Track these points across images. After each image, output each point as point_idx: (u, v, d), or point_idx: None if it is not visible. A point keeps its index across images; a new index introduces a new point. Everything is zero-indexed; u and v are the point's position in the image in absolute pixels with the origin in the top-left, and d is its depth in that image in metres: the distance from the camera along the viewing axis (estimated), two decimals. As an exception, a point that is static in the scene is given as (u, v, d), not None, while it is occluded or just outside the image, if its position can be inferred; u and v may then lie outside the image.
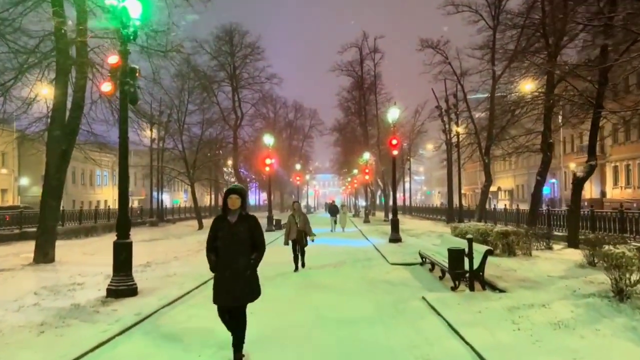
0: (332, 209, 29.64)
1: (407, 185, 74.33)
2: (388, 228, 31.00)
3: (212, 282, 5.62)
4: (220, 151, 46.98)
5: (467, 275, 9.93)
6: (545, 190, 42.17)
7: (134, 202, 67.08)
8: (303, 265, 13.27)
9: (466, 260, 9.97)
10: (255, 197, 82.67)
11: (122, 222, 9.27)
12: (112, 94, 10.50)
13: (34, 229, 25.07)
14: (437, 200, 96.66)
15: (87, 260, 15.31)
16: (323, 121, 74.41)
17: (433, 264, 12.89)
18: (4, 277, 12.06)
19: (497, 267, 12.23)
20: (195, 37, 39.09)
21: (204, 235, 22.38)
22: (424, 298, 9.22)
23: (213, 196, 63.79)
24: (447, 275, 11.28)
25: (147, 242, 22.18)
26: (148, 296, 9.01)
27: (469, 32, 27.56)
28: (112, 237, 25.25)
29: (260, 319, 7.39)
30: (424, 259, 14.16)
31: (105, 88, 9.31)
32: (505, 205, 37.73)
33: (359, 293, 9.98)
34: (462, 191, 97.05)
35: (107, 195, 66.03)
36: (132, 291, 9.03)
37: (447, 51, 32.51)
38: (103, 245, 20.46)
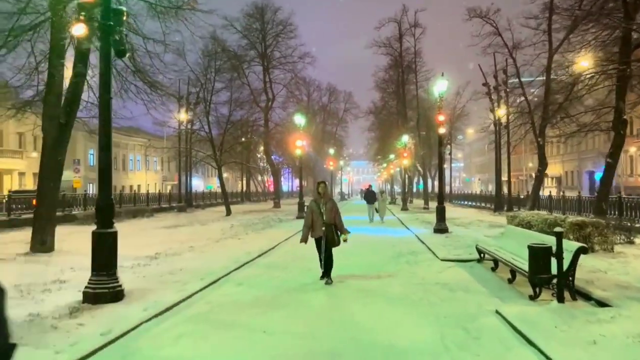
0: (370, 196, 25.31)
1: (447, 172, 71.26)
2: (429, 216, 28.48)
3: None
4: (252, 135, 45.19)
5: (554, 281, 7.48)
6: (597, 176, 38.49)
7: (167, 187, 66.50)
8: (326, 275, 9.02)
9: (553, 261, 7.52)
10: (288, 183, 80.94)
11: (103, 205, 7.19)
12: (85, 38, 8.46)
13: (58, 213, 24.23)
14: (477, 187, 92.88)
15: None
16: (358, 104, 71.72)
17: (496, 262, 10.45)
18: (-11, 268, 10.34)
19: (578, 267, 9.68)
20: (225, 15, 37.22)
21: (228, 223, 20.34)
22: (498, 312, 6.84)
23: (244, 182, 62.28)
24: (518, 278, 8.89)
25: (168, 229, 20.41)
26: (134, 302, 6.94)
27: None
28: (134, 223, 23.75)
29: (276, 342, 5.21)
30: (482, 255, 11.71)
31: (77, 31, 7.22)
32: (550, 192, 34.32)
33: (409, 302, 7.64)
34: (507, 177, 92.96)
35: (140, 179, 65.54)
36: (114, 295, 6.98)
37: (497, 21, 29.34)
38: (121, 233, 18.82)
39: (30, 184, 44.47)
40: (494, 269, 10.45)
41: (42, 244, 12.28)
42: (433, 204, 43.05)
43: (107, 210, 7.17)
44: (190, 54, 29.43)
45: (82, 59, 12.06)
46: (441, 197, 19.55)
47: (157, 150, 38.81)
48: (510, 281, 9.10)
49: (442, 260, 12.07)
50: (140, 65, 14.45)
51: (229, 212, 29.40)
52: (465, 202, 47.29)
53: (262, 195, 64.75)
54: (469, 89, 56.21)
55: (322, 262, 9.01)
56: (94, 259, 7.06)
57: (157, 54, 14.12)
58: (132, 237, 17.10)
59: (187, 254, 12.47)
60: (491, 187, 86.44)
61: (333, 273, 9.19)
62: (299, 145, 25.87)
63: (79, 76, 12.60)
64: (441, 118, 18.98)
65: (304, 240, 9.15)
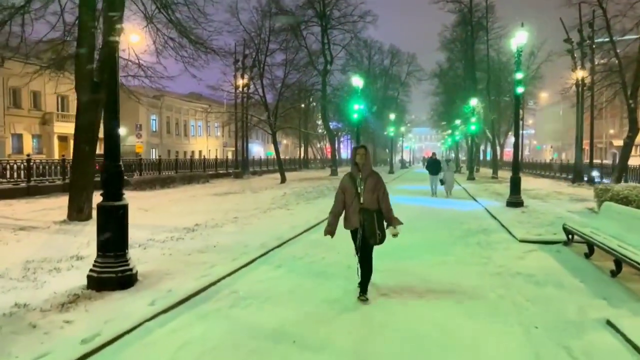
0: (433, 165, 21.26)
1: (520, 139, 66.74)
2: (499, 187, 26.04)
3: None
4: (309, 100, 43.68)
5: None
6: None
7: (228, 153, 66.80)
8: (361, 289, 6.00)
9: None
10: (347, 151, 79.25)
11: (109, 174, 5.95)
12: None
13: (156, 175, 23.87)
14: (549, 155, 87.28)
15: (136, 219, 12.58)
16: (422, 67, 68.10)
17: (591, 247, 8.48)
18: (19, 237, 9.65)
19: None
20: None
21: (281, 191, 19.10)
22: (610, 324, 5.07)
23: (302, 149, 61.20)
24: (625, 270, 7.00)
25: (218, 197, 19.52)
26: (143, 291, 5.74)
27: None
28: (187, 190, 23.12)
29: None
30: (570, 236, 9.73)
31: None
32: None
33: (486, 303, 5.93)
34: (585, 145, 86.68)
35: (201, 145, 66.19)
36: (122, 280, 5.82)
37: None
38: (168, 200, 18.17)
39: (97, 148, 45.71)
40: (587, 256, 8.50)
41: (78, 212, 11.54)
42: (502, 174, 40.21)
43: (114, 179, 5.93)
44: (244, 12, 27.98)
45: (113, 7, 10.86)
46: (516, 166, 17.27)
47: (218, 116, 38.10)
48: (614, 274, 7.18)
49: (520, 241, 10.18)
50: (181, 19, 13.22)
51: (283, 180, 28.35)
52: (538, 172, 43.81)
53: (320, 162, 63.56)
54: (544, 49, 51.76)
55: (359, 267, 5.95)
56: (100, 237, 5.90)
57: (198, 6, 12.72)
58: (179, 205, 16.31)
59: (228, 226, 11.30)
60: (565, 156, 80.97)
61: (384, 257, 7.20)
62: (356, 108, 24.01)
63: (113, 32, 11.47)
64: (519, 75, 16.51)
65: (330, 232, 5.98)
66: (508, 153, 73.64)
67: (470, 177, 34.16)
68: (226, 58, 15.42)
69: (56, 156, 39.09)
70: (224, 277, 6.57)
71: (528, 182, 31.03)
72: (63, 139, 42.75)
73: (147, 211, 14.42)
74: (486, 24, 34.69)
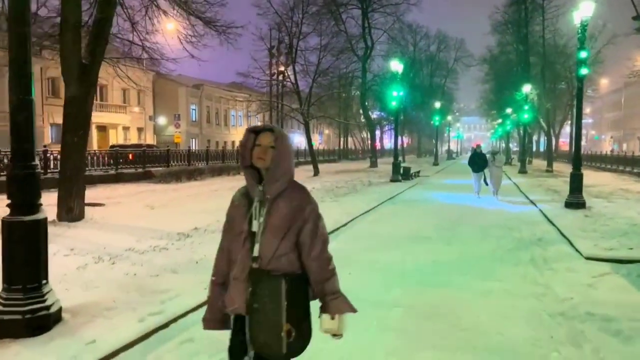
0: (477, 160, 17.24)
1: (573, 128, 62.12)
2: (554, 183, 23.30)
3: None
4: (348, 87, 41.51)
5: None
6: None
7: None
8: None
9: None
10: (390, 141, 76.64)
11: (16, 176, 4.35)
12: None
13: (157, 168, 23.32)
14: (607, 146, 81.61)
15: (134, 219, 11.26)
16: (471, 52, 64.51)
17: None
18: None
19: None
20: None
21: (311, 185, 17.19)
22: None
23: (342, 139, 59.21)
24: None
25: (239, 192, 18.06)
26: (59, 340, 4.14)
27: None
28: (213, 182, 21.79)
29: None
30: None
31: None
32: None
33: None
34: (643, 136, 79.60)
35: (241, 135, 65.28)
36: (32, 324, 4.25)
37: None
38: (187, 194, 16.84)
39: (134, 138, 45.53)
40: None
41: (68, 211, 10.24)
42: (558, 166, 36.81)
43: (24, 186, 4.34)
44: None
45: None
46: (578, 160, 14.80)
47: (258, 105, 36.57)
48: None
49: (587, 258, 8.03)
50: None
51: (316, 172, 26.68)
52: (598, 164, 40.10)
53: (362, 153, 61.45)
54: (606, 32, 47.39)
55: None
56: (4, 265, 4.35)
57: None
58: (195, 201, 14.92)
59: None
60: (626, 147, 75.14)
61: (403, 281, 5.74)
62: (395, 95, 21.94)
63: (106, 6, 10.08)
64: (584, 54, 14.04)
65: (211, 325, 2.60)
66: (563, 143, 68.92)
67: (522, 170, 31.30)
68: (237, 40, 13.74)
69: (95, 147, 39.10)
70: (181, 316, 4.90)
71: (588, 177, 27.73)
72: (102, 128, 42.74)
73: (153, 209, 13.08)
74: (542, 2, 31.43)
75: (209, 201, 14.79)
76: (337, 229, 10.21)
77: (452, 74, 69.36)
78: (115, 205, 13.65)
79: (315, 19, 27.05)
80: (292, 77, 26.60)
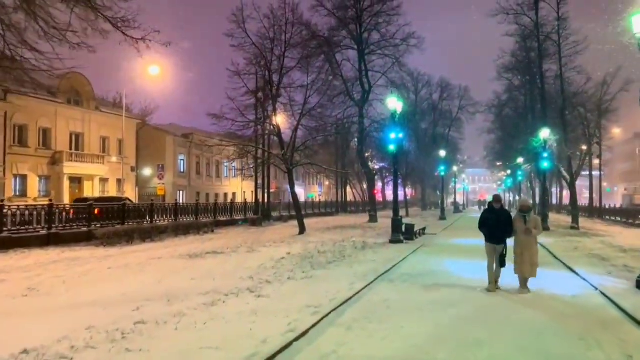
0: (496, 222, 9.68)
1: (586, 180, 57.97)
2: (592, 244, 18.73)
3: None
4: (350, 136, 37.94)
5: None
6: None
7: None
8: None
9: None
10: (390, 191, 72.69)
11: None
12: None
13: (106, 228, 19.45)
14: (620, 199, 77.57)
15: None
16: (476, 100, 61.56)
17: None
18: None
19: None
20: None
21: (287, 248, 12.08)
22: None
23: (341, 191, 55.02)
24: None
25: (190, 260, 13.81)
26: None
27: None
28: (171, 244, 17.12)
29: None
30: None
31: None
32: None
33: None
34: (661, 188, 74.94)
35: (235, 187, 61.55)
36: None
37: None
38: (113, 267, 12.58)
39: (113, 191, 41.67)
40: None
41: None
42: (583, 222, 32.22)
43: None
44: (253, 22, 23.01)
45: None
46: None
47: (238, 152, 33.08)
48: None
49: None
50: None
51: (302, 230, 22.46)
52: (619, 219, 35.73)
53: (362, 205, 57.20)
54: (621, 75, 44.43)
55: None
56: None
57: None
58: (107, 280, 10.59)
59: (136, 341, 5.49)
60: (641, 200, 70.76)
61: None
62: (394, 137, 18.09)
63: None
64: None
65: None
66: (568, 195, 64.62)
67: (545, 227, 26.93)
68: (168, 46, 10.47)
69: (66, 199, 35.23)
70: None
71: (623, 236, 23.65)
72: (76, 180, 39.00)
73: (25, 296, 8.79)
74: (558, 39, 28.11)
75: (131, 279, 10.58)
76: (284, 348, 5.89)
77: (456, 123, 66.29)
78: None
79: (300, 53, 23.65)
80: (275, 119, 22.86)
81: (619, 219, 36.41)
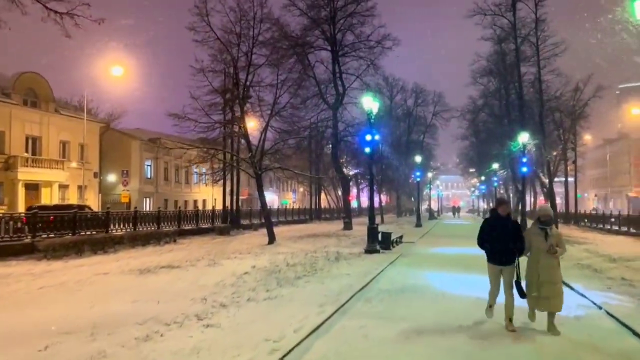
0: (505, 236, 7.01)
1: (560, 187, 57.93)
2: (578, 253, 17.63)
3: None
4: (324, 140, 36.68)
5: None
6: None
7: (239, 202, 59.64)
8: None
9: None
10: (368, 198, 71.63)
11: None
12: None
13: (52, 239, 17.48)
14: (591, 205, 78.47)
15: None
16: (450, 106, 61.06)
17: None
18: None
19: None
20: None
21: (253, 261, 10.35)
22: None
23: (315, 197, 53.52)
24: None
25: (141, 276, 12.14)
26: None
27: None
28: (125, 256, 14.77)
29: None
30: None
31: None
32: None
33: None
34: (632, 193, 75.89)
35: (205, 194, 59.34)
36: None
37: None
38: (44, 286, 10.79)
39: (73, 198, 39.20)
40: None
41: None
42: (560, 228, 31.32)
43: None
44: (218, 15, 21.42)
45: None
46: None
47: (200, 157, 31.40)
48: None
49: None
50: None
51: (271, 239, 20.88)
52: (595, 225, 35.25)
53: (337, 212, 55.78)
54: (593, 82, 44.52)
55: None
56: None
57: None
58: (34, 304, 8.88)
59: None
60: (612, 205, 71.42)
61: None
62: (370, 139, 16.78)
63: None
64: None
65: None
66: (541, 201, 64.75)
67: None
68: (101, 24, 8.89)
69: (22, 207, 32.78)
70: None
71: (606, 244, 22.85)
72: (32, 186, 36.47)
73: None
74: (536, 40, 27.41)
75: (60, 303, 8.89)
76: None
77: (430, 129, 65.76)
78: None
79: (270, 51, 22.16)
80: (242, 119, 21.24)
81: (595, 225, 35.94)
